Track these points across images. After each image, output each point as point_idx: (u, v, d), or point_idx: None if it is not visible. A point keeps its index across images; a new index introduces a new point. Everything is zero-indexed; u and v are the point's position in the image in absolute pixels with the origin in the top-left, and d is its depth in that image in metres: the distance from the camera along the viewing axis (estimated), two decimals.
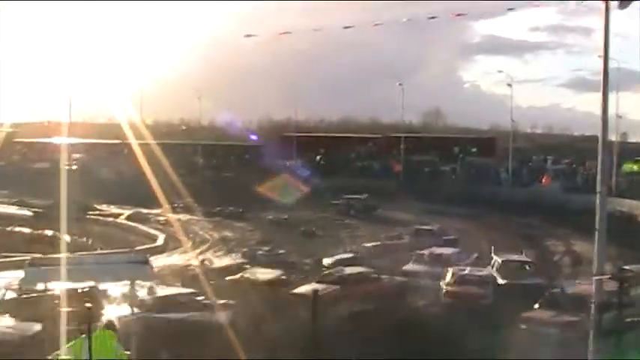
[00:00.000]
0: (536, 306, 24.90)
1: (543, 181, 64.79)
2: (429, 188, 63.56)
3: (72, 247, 40.06)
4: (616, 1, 14.97)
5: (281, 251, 43.58)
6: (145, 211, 59.15)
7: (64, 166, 54.20)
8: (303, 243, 47.20)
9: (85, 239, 48.31)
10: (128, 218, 60.31)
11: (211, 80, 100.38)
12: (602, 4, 15.11)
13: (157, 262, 40.68)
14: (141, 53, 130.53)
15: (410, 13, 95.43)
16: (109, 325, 14.40)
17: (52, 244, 41.50)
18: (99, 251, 42.47)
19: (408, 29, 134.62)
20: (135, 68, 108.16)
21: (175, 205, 62.82)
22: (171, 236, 50.54)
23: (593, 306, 15.33)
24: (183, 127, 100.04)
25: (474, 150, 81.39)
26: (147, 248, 44.74)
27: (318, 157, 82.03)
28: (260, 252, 43.39)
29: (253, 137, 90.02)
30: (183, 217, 59.68)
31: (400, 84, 75.58)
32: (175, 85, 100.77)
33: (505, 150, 75.90)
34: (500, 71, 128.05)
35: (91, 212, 61.05)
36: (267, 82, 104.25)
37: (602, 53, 15.35)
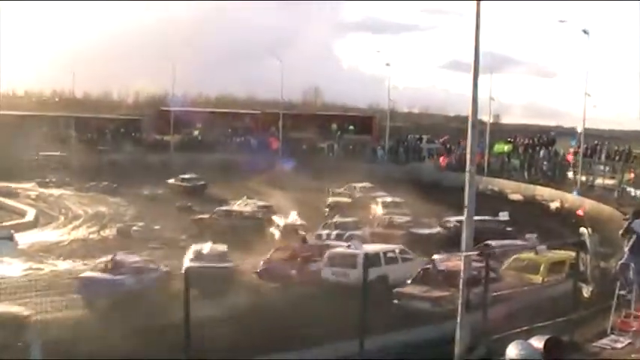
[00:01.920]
0: (409, 282, 25.28)
1: (441, 160, 65.66)
2: (304, 164, 63.78)
3: None
4: None
5: (156, 227, 42.93)
6: (13, 185, 56.94)
7: None
8: (179, 218, 46.47)
9: None
10: None
11: (86, 52, 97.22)
12: None
13: (26, 238, 39.46)
14: (14, 22, 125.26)
15: None
16: None
17: None
18: None
19: (286, 6, 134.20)
20: (6, 37, 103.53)
21: (47, 179, 61.12)
22: (42, 211, 48.97)
23: (461, 281, 15.76)
24: (57, 99, 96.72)
25: (352, 128, 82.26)
26: (15, 224, 43.13)
27: (196, 132, 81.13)
28: (135, 228, 42.56)
29: None
30: (56, 191, 58.01)
31: (279, 61, 75.31)
32: (48, 56, 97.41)
33: (383, 129, 77.08)
34: (378, 51, 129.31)
35: None
36: (144, 55, 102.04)
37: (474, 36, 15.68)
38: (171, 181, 59.82)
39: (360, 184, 54.13)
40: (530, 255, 25.26)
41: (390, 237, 34.49)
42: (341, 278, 27.14)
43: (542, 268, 24.70)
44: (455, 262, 21.81)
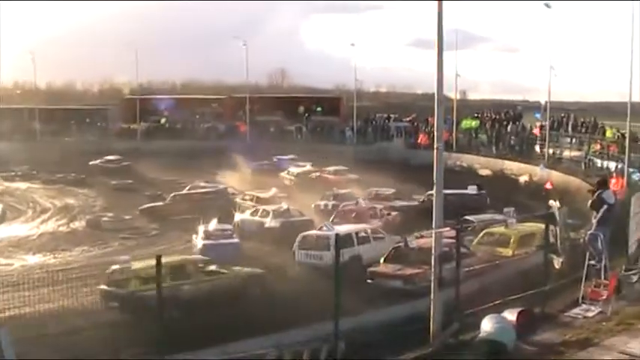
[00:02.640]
0: (382, 260, 25.35)
1: (420, 139, 65.02)
2: (271, 147, 63.78)
3: None
4: None
5: (127, 217, 42.63)
6: None
7: None
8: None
9: None
10: None
11: (47, 41, 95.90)
12: None
13: None
14: None
15: None
16: None
17: None
18: None
19: None
20: None
21: (13, 172, 60.47)
22: (9, 206, 48.42)
23: (433, 257, 15.81)
24: (18, 91, 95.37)
25: (320, 109, 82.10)
26: None
27: (163, 120, 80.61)
28: (105, 219, 42.23)
29: None
30: (22, 185, 57.41)
31: (244, 44, 74.85)
32: (7, 46, 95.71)
33: (350, 109, 77.02)
34: (343, 31, 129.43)
35: None
36: (108, 42, 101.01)
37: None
38: (96, 162, 62.00)
39: (334, 168, 53.89)
40: (501, 229, 25.44)
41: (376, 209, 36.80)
42: (315, 261, 27.21)
43: (512, 242, 24.91)
44: (426, 239, 21.92)
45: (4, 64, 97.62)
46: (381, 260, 25.50)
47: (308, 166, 54.86)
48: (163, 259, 20.86)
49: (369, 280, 24.23)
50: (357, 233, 28.98)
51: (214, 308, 21.07)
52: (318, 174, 52.37)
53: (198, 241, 31.72)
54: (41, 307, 21.36)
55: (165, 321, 14.20)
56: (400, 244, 25.74)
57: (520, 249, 24.39)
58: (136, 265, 23.43)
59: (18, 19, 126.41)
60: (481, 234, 26.21)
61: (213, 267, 25.01)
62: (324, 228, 29.39)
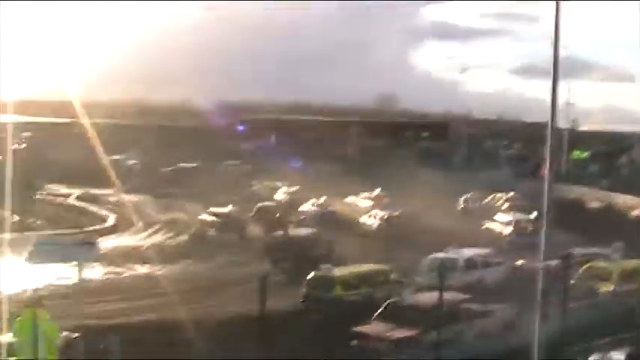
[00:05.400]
0: (374, 317, 21.82)
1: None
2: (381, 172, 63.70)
3: (18, 228, 39.34)
4: None
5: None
6: (95, 191, 58.30)
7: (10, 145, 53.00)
8: None
9: (32, 220, 47.50)
10: (78, 198, 59.40)
11: (167, 59, 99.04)
12: None
13: (107, 243, 40.38)
14: (92, 33, 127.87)
15: None
16: (37, 303, 14.24)
17: None
18: (45, 232, 41.49)
19: (359, 14, 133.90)
20: (87, 47, 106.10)
21: (127, 185, 62.30)
22: (122, 217, 49.96)
23: (538, 292, 15.47)
24: (133, 109, 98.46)
25: (427, 135, 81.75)
26: (97, 229, 44.15)
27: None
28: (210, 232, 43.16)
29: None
30: (134, 197, 59.11)
31: (354, 69, 75.46)
32: (126, 65, 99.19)
33: (458, 135, 76.42)
34: (450, 57, 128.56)
35: (39, 192, 60.05)
36: (218, 61, 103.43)
37: (551, 40, 15.45)
38: None
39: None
40: (603, 263, 24.83)
41: None
42: None
43: (613, 277, 24.08)
44: (428, 295, 20.63)
45: (120, 80, 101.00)
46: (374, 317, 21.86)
47: None
48: (355, 269, 25.58)
49: (354, 342, 20.63)
50: (479, 257, 29.56)
51: None
52: None
53: None
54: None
55: None
56: (397, 299, 22.46)
57: (623, 285, 23.48)
58: (338, 271, 25.51)
59: (135, 37, 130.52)
60: (583, 268, 25.52)
61: (394, 276, 26.36)
62: (450, 251, 29.59)
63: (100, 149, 59.37)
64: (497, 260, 30.03)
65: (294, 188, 58.32)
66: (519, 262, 28.42)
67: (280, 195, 57.68)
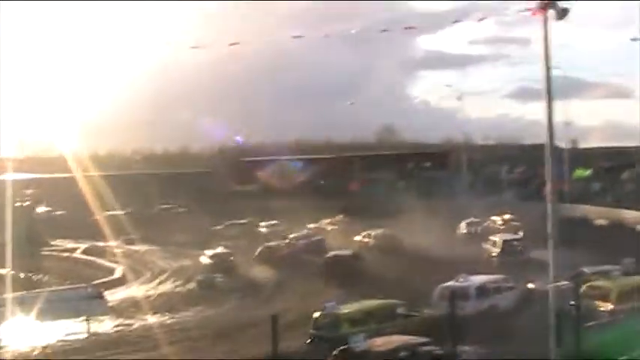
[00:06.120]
0: None
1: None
2: (385, 206, 63.60)
3: (26, 285, 39.28)
4: (554, 11, 15.21)
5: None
6: (100, 244, 58.23)
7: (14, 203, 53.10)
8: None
9: (40, 276, 47.45)
10: (84, 252, 59.35)
11: (159, 104, 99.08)
12: (541, 16, 15.36)
13: (116, 295, 40.30)
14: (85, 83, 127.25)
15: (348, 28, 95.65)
16: None
17: (3, 282, 40.57)
18: (53, 288, 41.20)
19: (348, 45, 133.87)
20: (81, 98, 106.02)
21: (133, 236, 62.19)
22: (129, 268, 49.86)
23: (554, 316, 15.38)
24: (137, 158, 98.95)
25: (428, 165, 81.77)
26: (105, 282, 44.03)
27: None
28: (219, 279, 42.98)
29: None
30: (141, 247, 59.06)
31: (351, 103, 75.82)
32: (123, 114, 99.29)
33: (459, 162, 76.36)
34: (448, 85, 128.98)
35: (45, 248, 60.09)
36: (217, 105, 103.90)
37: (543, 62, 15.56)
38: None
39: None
40: (602, 282, 24.53)
41: None
42: None
43: (613, 295, 23.66)
44: (385, 340, 19.46)
45: (125, 132, 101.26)
46: None
47: None
48: (361, 305, 25.02)
49: None
50: (491, 284, 29.41)
51: None
52: None
53: None
54: None
55: None
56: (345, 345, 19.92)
57: (624, 303, 23.00)
58: (344, 309, 24.99)
59: (133, 89, 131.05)
60: (584, 287, 24.35)
61: (401, 310, 26.04)
62: (461, 280, 29.43)
63: (104, 202, 59.71)
64: (509, 285, 29.73)
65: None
66: (531, 286, 28.16)
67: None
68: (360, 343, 18.55)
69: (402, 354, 17.49)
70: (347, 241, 51.66)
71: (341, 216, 63.56)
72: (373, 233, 52.57)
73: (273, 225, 61.97)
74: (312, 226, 59.54)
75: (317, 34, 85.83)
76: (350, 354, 18.46)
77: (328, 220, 62.40)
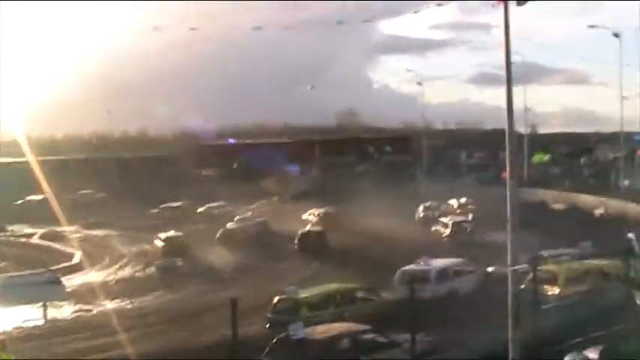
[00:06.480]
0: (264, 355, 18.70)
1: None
2: (344, 189, 63.86)
3: None
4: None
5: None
6: (59, 229, 57.42)
7: None
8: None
9: None
10: (42, 237, 58.51)
11: (117, 87, 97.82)
12: (502, 3, 15.43)
13: (74, 280, 39.91)
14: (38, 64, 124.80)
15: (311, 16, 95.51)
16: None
17: None
18: (8, 274, 40.43)
19: (309, 32, 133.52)
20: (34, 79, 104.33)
21: (91, 221, 61.55)
22: (87, 253, 49.32)
23: (510, 294, 15.51)
24: (94, 140, 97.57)
25: (390, 149, 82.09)
26: (63, 267, 43.53)
27: (234, 165, 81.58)
28: (180, 263, 42.79)
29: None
30: (99, 232, 58.46)
31: (311, 87, 75.70)
32: (81, 95, 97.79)
33: (420, 147, 76.80)
34: (409, 70, 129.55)
35: (1, 233, 59.33)
36: (176, 88, 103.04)
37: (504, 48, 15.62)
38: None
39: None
40: (551, 266, 24.75)
41: None
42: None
43: (560, 280, 23.84)
44: (326, 326, 18.90)
45: (79, 114, 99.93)
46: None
47: None
48: (321, 289, 24.98)
49: None
50: (452, 267, 29.52)
51: None
52: None
53: None
54: None
55: None
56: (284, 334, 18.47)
57: (571, 287, 23.23)
58: (303, 293, 24.91)
59: (90, 70, 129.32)
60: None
61: (361, 294, 25.99)
62: (421, 263, 29.44)
63: (62, 186, 58.92)
64: (469, 269, 29.86)
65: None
66: (490, 269, 28.38)
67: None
68: (298, 331, 17.48)
69: (343, 342, 17.20)
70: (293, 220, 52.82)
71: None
72: (317, 212, 54.44)
73: (218, 207, 63.07)
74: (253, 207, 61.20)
75: (277, 19, 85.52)
76: (288, 342, 17.50)
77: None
